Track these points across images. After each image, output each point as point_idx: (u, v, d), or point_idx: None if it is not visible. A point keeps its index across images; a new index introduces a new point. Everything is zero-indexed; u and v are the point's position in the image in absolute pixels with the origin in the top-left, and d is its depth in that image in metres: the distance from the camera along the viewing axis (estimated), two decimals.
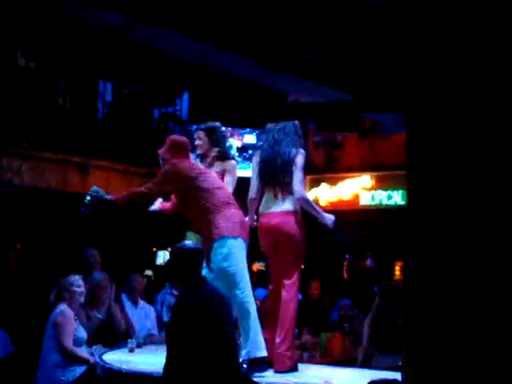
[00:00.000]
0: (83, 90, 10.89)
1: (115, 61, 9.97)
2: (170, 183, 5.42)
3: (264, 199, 5.68)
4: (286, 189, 5.56)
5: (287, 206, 5.55)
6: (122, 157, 10.78)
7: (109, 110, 11.50)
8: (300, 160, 5.58)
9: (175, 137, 5.91)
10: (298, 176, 5.54)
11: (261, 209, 5.70)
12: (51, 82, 10.38)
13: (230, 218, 5.28)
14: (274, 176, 5.61)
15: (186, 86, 11.43)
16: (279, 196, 5.59)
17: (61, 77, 10.41)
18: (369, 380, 5.02)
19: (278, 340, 5.41)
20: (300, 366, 5.69)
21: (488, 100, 2.92)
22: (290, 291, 5.53)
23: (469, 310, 2.85)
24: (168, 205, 5.93)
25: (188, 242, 5.11)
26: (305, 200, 5.60)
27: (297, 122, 5.77)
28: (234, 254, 5.19)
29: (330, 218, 5.66)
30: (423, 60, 3.06)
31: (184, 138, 5.83)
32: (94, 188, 5.60)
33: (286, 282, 5.54)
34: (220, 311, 4.46)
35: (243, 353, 5.19)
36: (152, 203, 5.90)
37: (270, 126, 5.86)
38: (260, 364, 5.16)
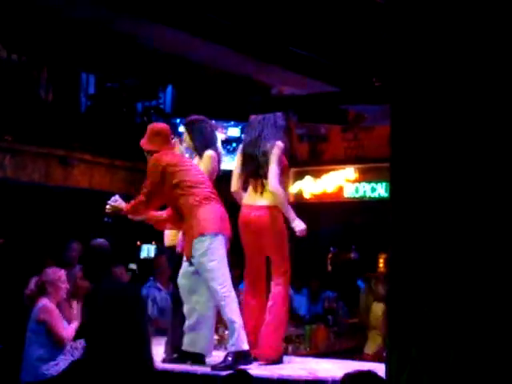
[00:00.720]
0: (66, 82, 10.82)
1: (98, 53, 9.92)
2: (158, 179, 5.34)
3: (247, 192, 5.69)
4: (265, 182, 5.55)
5: (267, 200, 5.55)
6: (106, 150, 10.73)
7: (92, 103, 11.45)
8: (275, 152, 5.53)
9: (155, 125, 5.83)
10: (272, 169, 5.51)
11: (244, 200, 5.69)
12: (34, 75, 10.31)
13: (211, 213, 5.26)
14: (254, 169, 5.60)
15: (170, 79, 11.39)
16: (258, 189, 5.59)
17: (43, 69, 10.34)
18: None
19: (268, 329, 5.43)
20: (285, 358, 5.70)
21: (472, 91, 2.93)
22: (281, 284, 5.54)
23: (451, 300, 2.86)
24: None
25: (99, 240, 5.63)
26: (277, 195, 5.50)
27: (278, 113, 5.73)
28: (213, 249, 5.19)
29: (301, 225, 5.52)
30: (407, 51, 3.06)
31: (164, 125, 5.79)
32: (114, 197, 5.49)
33: (277, 275, 5.55)
34: (128, 304, 4.69)
35: (228, 346, 5.20)
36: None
37: (252, 118, 5.82)
38: (245, 357, 5.17)
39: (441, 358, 2.85)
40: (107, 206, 5.44)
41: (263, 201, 5.56)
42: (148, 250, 13.69)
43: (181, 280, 5.42)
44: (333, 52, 4.69)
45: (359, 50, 4.54)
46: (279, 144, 5.56)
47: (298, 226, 5.50)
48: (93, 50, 9.80)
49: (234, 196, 5.78)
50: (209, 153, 5.70)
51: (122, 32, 5.17)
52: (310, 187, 12.47)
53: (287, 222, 5.57)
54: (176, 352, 5.49)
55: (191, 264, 5.28)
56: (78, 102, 11.19)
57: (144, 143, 5.55)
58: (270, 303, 5.54)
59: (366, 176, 12.16)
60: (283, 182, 5.66)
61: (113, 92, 11.58)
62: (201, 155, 5.74)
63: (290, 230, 5.60)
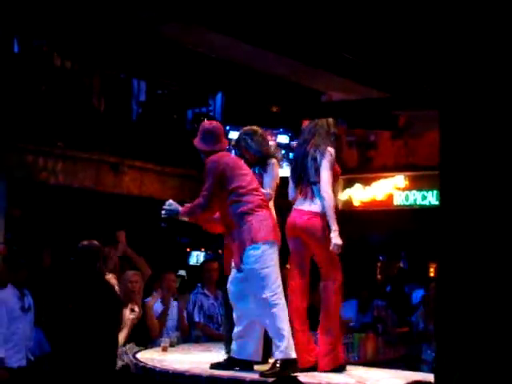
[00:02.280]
0: (118, 90, 10.97)
1: (150, 59, 10.03)
2: (218, 182, 5.27)
3: (298, 197, 5.68)
4: (315, 188, 5.52)
5: (315, 206, 5.52)
6: (156, 157, 10.83)
7: (143, 111, 11.56)
8: (327, 158, 5.51)
9: (206, 124, 5.69)
10: (324, 175, 5.49)
11: (294, 205, 5.69)
12: (86, 83, 10.47)
13: (263, 221, 5.24)
14: (303, 175, 5.59)
15: (220, 86, 11.45)
16: (308, 196, 5.57)
17: (95, 77, 10.50)
18: (402, 381, 4.99)
19: (324, 337, 5.44)
20: None
21: None
22: (331, 295, 5.52)
23: (502, 310, 2.81)
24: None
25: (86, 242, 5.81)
26: (327, 200, 5.44)
27: (330, 119, 5.70)
28: (266, 257, 5.17)
29: (338, 240, 5.38)
30: (458, 58, 3.02)
31: (216, 123, 5.70)
32: (168, 201, 5.47)
33: (326, 279, 5.53)
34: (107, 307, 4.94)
35: (276, 353, 5.18)
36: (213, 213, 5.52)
37: (305, 124, 5.81)
38: (292, 364, 5.15)
39: (491, 367, 2.79)
40: (162, 211, 5.44)
41: (312, 207, 5.53)
42: (197, 257, 13.77)
43: (230, 286, 5.42)
44: (383, 58, 4.66)
45: (410, 56, 4.51)
46: (331, 150, 5.55)
47: (335, 239, 5.39)
48: (144, 56, 9.91)
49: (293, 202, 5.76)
50: (273, 161, 5.77)
51: (173, 38, 5.21)
52: (359, 195, 12.40)
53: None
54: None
55: (240, 271, 5.28)
56: (129, 109, 11.32)
57: (197, 142, 5.51)
58: (325, 306, 5.53)
59: (416, 184, 12.04)
60: (334, 189, 5.62)
61: (163, 99, 11.68)
62: (262, 164, 5.79)
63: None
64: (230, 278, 5.41)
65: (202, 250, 13.93)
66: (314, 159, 5.54)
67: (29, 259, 7.20)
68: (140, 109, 11.55)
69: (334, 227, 5.43)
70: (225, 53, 5.31)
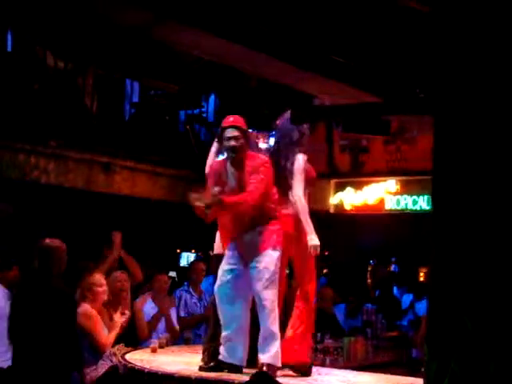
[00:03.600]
0: (110, 90, 10.95)
1: (143, 60, 10.02)
2: (270, 183, 5.29)
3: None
4: (289, 192, 5.57)
5: (289, 210, 5.54)
6: (148, 158, 10.82)
7: (135, 111, 11.55)
8: (298, 164, 5.57)
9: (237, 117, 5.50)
10: (296, 179, 5.55)
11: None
12: (79, 83, 10.45)
13: (280, 228, 5.31)
14: (277, 179, 5.60)
15: (213, 88, 11.46)
16: (282, 199, 5.59)
17: (88, 77, 10.48)
18: None
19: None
20: (322, 370, 5.66)
21: None
22: (306, 291, 5.53)
23: (492, 312, 2.81)
24: None
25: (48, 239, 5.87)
26: (298, 204, 5.47)
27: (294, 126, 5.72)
28: (279, 264, 5.22)
29: (315, 241, 5.41)
30: (452, 62, 3.03)
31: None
32: (216, 188, 5.28)
33: (303, 282, 5.55)
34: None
35: (265, 357, 5.17)
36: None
37: (277, 128, 5.85)
38: (275, 371, 5.16)
39: (481, 370, 2.80)
40: (208, 196, 5.15)
41: (287, 210, 5.55)
42: (188, 258, 13.75)
43: (220, 290, 5.39)
44: (377, 62, 4.68)
45: (403, 61, 4.52)
46: (300, 157, 5.60)
47: (313, 240, 5.42)
48: (137, 58, 9.91)
49: None
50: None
51: (165, 40, 5.21)
52: (350, 198, 12.41)
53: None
54: (213, 360, 5.49)
55: (238, 273, 5.26)
56: (122, 109, 11.31)
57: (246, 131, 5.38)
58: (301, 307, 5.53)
59: (407, 188, 12.07)
60: (306, 193, 5.64)
61: (156, 100, 11.67)
62: None
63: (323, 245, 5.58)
64: (220, 282, 5.38)
65: (193, 251, 13.92)
66: (284, 166, 5.58)
67: (19, 258, 7.17)
68: (133, 109, 11.53)
69: (310, 228, 5.46)
70: (217, 55, 5.31)
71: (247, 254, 5.27)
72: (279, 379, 4.60)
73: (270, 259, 5.19)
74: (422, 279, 12.35)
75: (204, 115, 12.19)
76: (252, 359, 5.44)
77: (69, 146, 9.81)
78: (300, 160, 5.58)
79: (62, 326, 5.66)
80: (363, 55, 4.63)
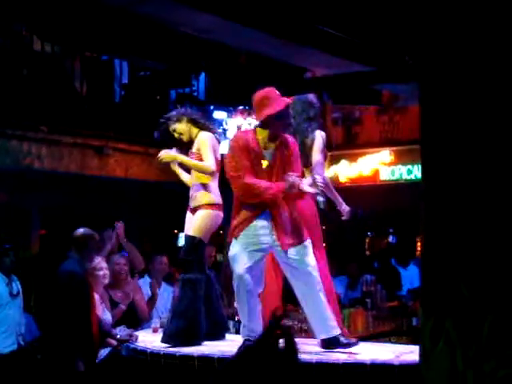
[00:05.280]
0: (99, 73, 10.87)
1: (131, 40, 9.94)
2: None
3: None
4: (306, 170, 5.58)
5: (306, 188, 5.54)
6: (141, 139, 10.77)
7: (125, 93, 11.48)
8: (318, 141, 5.60)
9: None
10: (317, 157, 5.57)
11: None
12: (67, 66, 10.38)
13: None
14: None
15: (203, 66, 11.38)
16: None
17: (76, 60, 10.40)
18: (393, 354, 5.03)
19: None
20: None
21: (506, 71, 2.86)
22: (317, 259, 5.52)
23: (486, 274, 2.81)
24: None
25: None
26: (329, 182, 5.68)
27: (310, 102, 5.74)
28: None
29: (347, 208, 5.75)
30: (439, 29, 3.00)
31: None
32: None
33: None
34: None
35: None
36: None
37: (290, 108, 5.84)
38: None
39: (475, 330, 2.81)
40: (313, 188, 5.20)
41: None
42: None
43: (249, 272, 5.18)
44: (365, 31, 4.64)
45: (392, 28, 4.49)
46: (321, 133, 5.61)
47: (347, 207, 5.80)
48: (125, 37, 9.82)
49: None
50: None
51: (153, 16, 5.16)
52: (345, 171, 12.41)
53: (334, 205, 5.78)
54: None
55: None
56: (111, 91, 11.23)
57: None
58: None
59: (401, 158, 12.06)
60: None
61: (145, 81, 11.60)
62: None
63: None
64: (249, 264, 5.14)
65: None
66: (303, 143, 5.55)
67: (16, 245, 7.17)
68: (123, 91, 11.46)
69: (341, 199, 5.82)
70: (208, 32, 5.27)
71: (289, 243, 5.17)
72: None
73: (309, 250, 5.24)
74: (419, 249, 12.39)
75: (195, 94, 12.12)
76: (215, 332, 5.67)
77: (60, 130, 9.77)
78: (320, 137, 5.59)
79: (75, 313, 5.74)
80: (352, 25, 4.60)
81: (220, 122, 10.51)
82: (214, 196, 5.75)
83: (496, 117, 2.84)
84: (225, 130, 10.54)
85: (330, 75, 5.59)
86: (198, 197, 5.76)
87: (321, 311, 5.13)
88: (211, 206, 5.71)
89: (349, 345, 5.14)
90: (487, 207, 2.82)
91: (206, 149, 5.68)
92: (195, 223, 5.75)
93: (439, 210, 2.93)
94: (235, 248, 5.13)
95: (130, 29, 9.12)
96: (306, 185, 5.03)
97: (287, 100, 5.09)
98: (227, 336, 5.97)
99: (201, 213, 5.73)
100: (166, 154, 5.83)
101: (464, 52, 2.91)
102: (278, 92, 5.08)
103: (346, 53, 4.91)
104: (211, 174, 5.68)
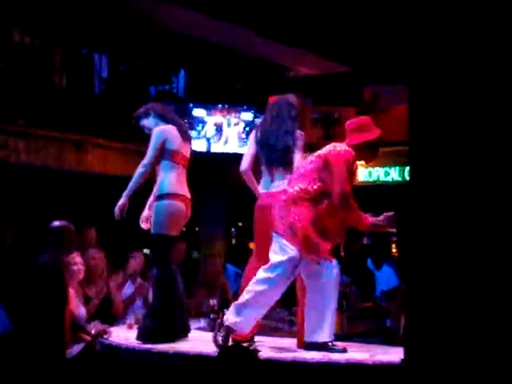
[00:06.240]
0: (79, 66, 10.81)
1: (112, 34, 9.88)
2: None
3: (263, 179, 5.70)
4: (285, 170, 5.57)
5: (282, 187, 5.54)
6: (119, 134, 10.73)
7: (105, 87, 11.43)
8: (300, 142, 5.61)
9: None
10: (298, 158, 5.56)
11: (261, 189, 5.69)
12: (47, 59, 10.30)
13: None
14: (275, 158, 5.60)
15: (183, 63, 11.36)
16: (275, 177, 5.60)
17: (56, 53, 10.33)
18: (368, 353, 5.06)
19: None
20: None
21: (493, 73, 2.88)
22: None
23: (466, 288, 2.83)
24: None
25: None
26: None
27: (290, 99, 5.76)
28: None
29: None
30: (426, 29, 3.02)
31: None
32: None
33: None
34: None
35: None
36: None
37: (269, 107, 5.85)
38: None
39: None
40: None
41: (281, 187, 5.54)
42: None
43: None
44: (350, 31, 4.66)
45: (375, 30, 4.50)
46: (301, 133, 5.63)
47: None
48: (106, 31, 9.76)
49: (243, 175, 5.75)
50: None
51: (136, 12, 5.14)
52: None
53: None
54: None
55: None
56: (91, 85, 11.18)
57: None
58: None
59: (379, 160, 12.07)
60: None
61: (125, 75, 11.56)
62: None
63: None
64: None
65: None
66: (285, 142, 5.56)
67: None
68: (102, 85, 11.41)
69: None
70: (188, 28, 5.27)
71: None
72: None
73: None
74: (393, 250, 12.44)
75: (174, 91, 12.10)
76: (181, 333, 5.66)
77: (39, 124, 9.70)
78: (301, 137, 5.62)
79: (49, 306, 5.71)
80: (335, 25, 4.62)
81: (200, 120, 10.50)
82: (172, 186, 5.71)
83: (484, 120, 2.87)
84: (204, 128, 10.54)
85: (311, 75, 5.60)
86: (154, 191, 5.75)
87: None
88: (168, 196, 5.69)
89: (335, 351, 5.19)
90: (475, 212, 2.84)
91: (151, 145, 5.74)
92: (152, 218, 5.74)
93: (426, 211, 2.95)
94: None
95: (111, 23, 9.07)
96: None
97: (379, 131, 5.37)
98: (199, 333, 5.99)
99: (156, 206, 5.71)
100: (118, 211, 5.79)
101: (452, 55, 2.93)
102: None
103: (328, 53, 4.92)
104: (144, 167, 5.69)
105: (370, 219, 5.29)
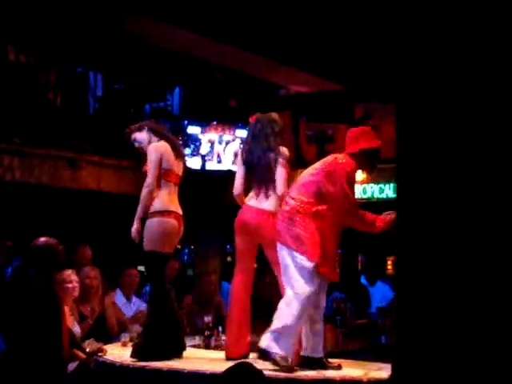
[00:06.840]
0: (74, 85, 10.84)
1: (106, 53, 9.93)
2: None
3: (250, 195, 5.73)
4: (270, 188, 5.58)
5: (268, 205, 5.56)
6: (114, 152, 10.74)
7: (100, 105, 11.46)
8: (283, 159, 5.59)
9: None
10: (281, 174, 5.56)
11: (248, 202, 5.71)
12: (42, 78, 10.33)
13: None
14: (261, 176, 5.62)
15: (177, 80, 11.40)
16: (262, 195, 5.61)
17: (51, 72, 10.36)
18: (362, 370, 5.05)
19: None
20: None
21: (480, 91, 2.92)
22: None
23: (458, 301, 2.85)
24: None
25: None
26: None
27: (273, 116, 5.78)
28: None
29: None
30: (414, 50, 3.05)
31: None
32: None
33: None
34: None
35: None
36: None
37: (251, 125, 5.87)
38: None
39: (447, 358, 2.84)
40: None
41: (265, 205, 5.57)
42: None
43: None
44: (341, 50, 4.70)
45: (367, 48, 4.55)
46: (284, 150, 5.63)
47: None
48: (100, 50, 9.81)
49: (236, 199, 5.80)
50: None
51: (131, 32, 5.18)
52: None
53: None
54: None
55: None
56: (86, 104, 11.20)
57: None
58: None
59: (373, 177, 12.12)
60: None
61: (120, 93, 11.59)
62: None
63: None
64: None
65: None
66: (266, 159, 5.58)
67: None
68: (97, 103, 11.44)
69: None
70: (183, 47, 5.30)
71: None
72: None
73: None
74: (389, 267, 12.43)
75: (169, 108, 12.13)
76: (176, 351, 5.63)
77: (33, 142, 9.71)
78: (286, 153, 5.63)
79: (46, 325, 5.67)
80: (328, 44, 4.66)
81: (194, 137, 10.53)
82: (163, 203, 5.74)
83: (471, 136, 2.90)
84: (199, 145, 10.57)
85: (304, 93, 5.64)
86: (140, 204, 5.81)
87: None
88: (160, 213, 5.71)
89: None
90: (463, 226, 2.86)
91: (151, 164, 5.77)
92: (145, 236, 5.76)
93: (413, 228, 2.97)
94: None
95: (105, 41, 9.12)
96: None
97: (379, 142, 5.41)
98: (194, 351, 5.99)
99: (148, 223, 5.74)
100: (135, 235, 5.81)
101: (439, 74, 2.96)
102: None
103: (321, 71, 4.96)
104: (149, 187, 5.73)
105: (380, 219, 5.35)
